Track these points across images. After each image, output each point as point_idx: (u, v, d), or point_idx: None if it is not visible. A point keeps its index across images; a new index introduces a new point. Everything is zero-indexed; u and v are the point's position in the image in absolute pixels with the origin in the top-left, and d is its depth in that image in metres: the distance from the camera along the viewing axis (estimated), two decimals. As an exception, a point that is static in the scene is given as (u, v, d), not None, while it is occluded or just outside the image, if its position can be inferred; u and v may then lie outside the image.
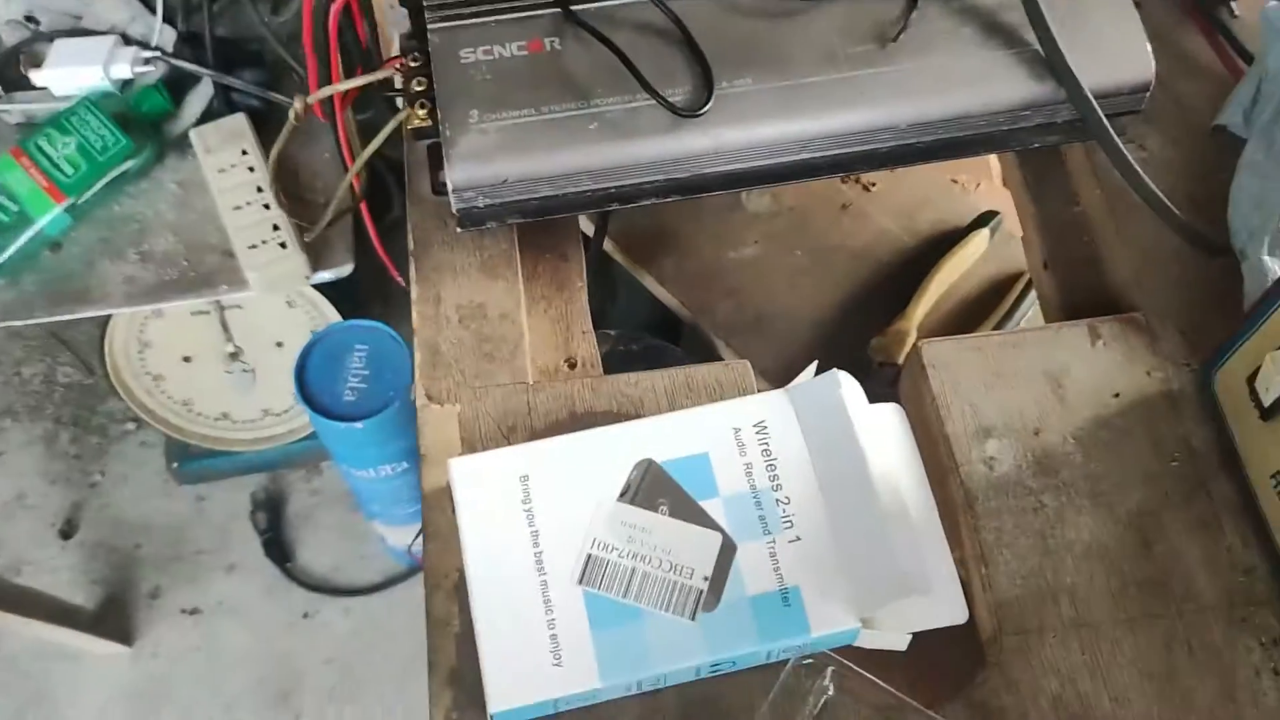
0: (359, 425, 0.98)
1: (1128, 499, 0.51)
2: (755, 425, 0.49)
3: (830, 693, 0.47)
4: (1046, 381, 0.54)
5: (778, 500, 0.48)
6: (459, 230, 0.54)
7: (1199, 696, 0.47)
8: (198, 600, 1.39)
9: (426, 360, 0.54)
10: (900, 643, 0.46)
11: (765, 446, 0.49)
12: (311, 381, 0.98)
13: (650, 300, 0.94)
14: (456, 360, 0.54)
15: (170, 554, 1.41)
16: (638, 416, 0.52)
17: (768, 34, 0.54)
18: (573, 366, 0.55)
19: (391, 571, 1.38)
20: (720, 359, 0.81)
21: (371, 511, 1.24)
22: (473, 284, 0.56)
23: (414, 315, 0.55)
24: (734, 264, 0.91)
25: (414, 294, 0.55)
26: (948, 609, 0.47)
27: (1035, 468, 0.52)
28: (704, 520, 0.47)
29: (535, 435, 0.52)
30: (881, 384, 0.79)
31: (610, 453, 0.49)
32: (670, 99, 0.51)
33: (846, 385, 0.50)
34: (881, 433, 0.49)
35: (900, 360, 0.83)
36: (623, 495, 0.48)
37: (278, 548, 1.41)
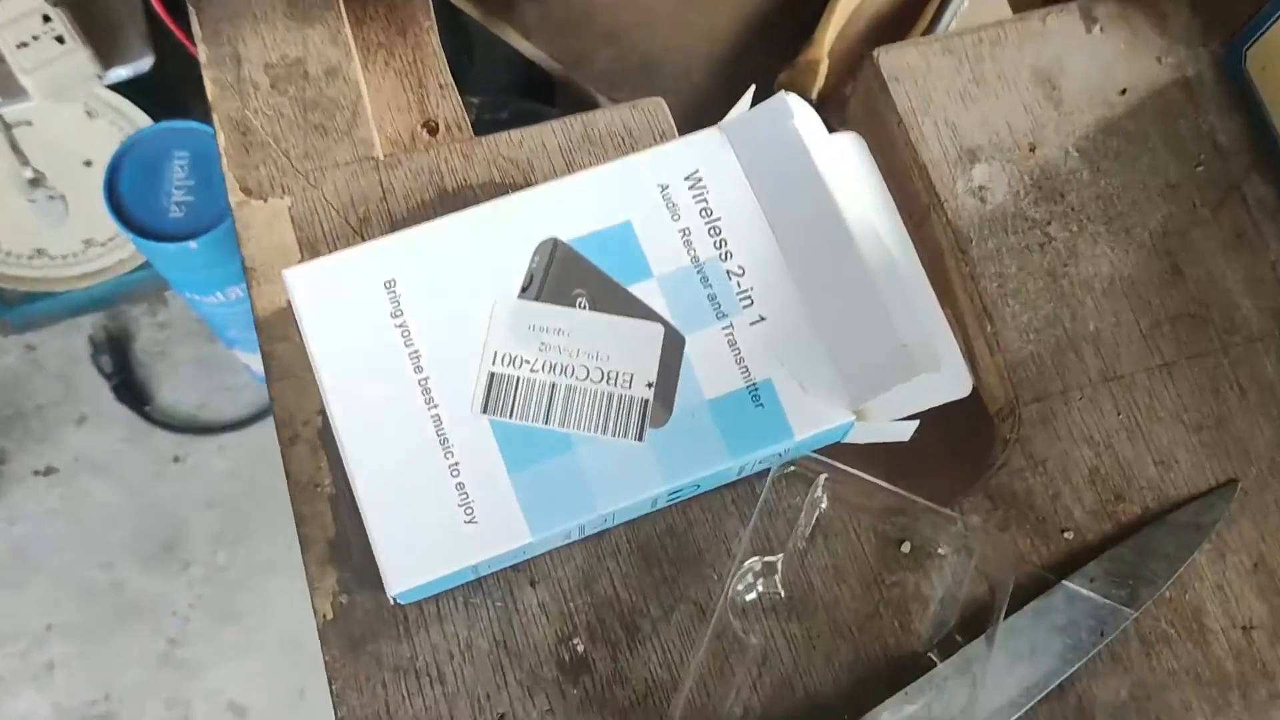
0: (191, 244, 0.83)
1: (1149, 218, 0.41)
2: (687, 178, 0.37)
3: (824, 505, 0.37)
4: (1037, 84, 0.42)
5: (729, 272, 0.36)
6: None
7: (1256, 443, 0.39)
8: (50, 459, 1.25)
9: (234, 143, 0.40)
10: (903, 432, 0.36)
11: (704, 204, 0.37)
12: (128, 200, 0.83)
13: (512, 58, 0.80)
14: (276, 138, 0.40)
15: (9, 413, 1.26)
16: (528, 185, 0.39)
17: None
18: (433, 131, 0.42)
19: (263, 402, 1.25)
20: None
21: (230, 339, 1.11)
22: (282, 33, 0.41)
23: (207, 84, 0.40)
24: (608, 4, 0.77)
25: (203, 56, 0.41)
26: (950, 382, 0.37)
27: (1035, 193, 0.41)
28: (637, 310, 0.36)
29: (396, 225, 0.39)
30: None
31: (500, 235, 0.36)
32: None
33: (800, 111, 0.38)
34: (841, 171, 0.38)
35: (814, 93, 0.70)
36: (525, 290, 0.36)
37: (130, 391, 1.26)
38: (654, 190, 0.37)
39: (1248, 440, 0.39)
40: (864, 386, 0.35)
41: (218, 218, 0.81)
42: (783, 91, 0.38)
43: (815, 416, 0.35)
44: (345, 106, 0.41)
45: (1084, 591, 0.36)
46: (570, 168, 0.40)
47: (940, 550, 0.37)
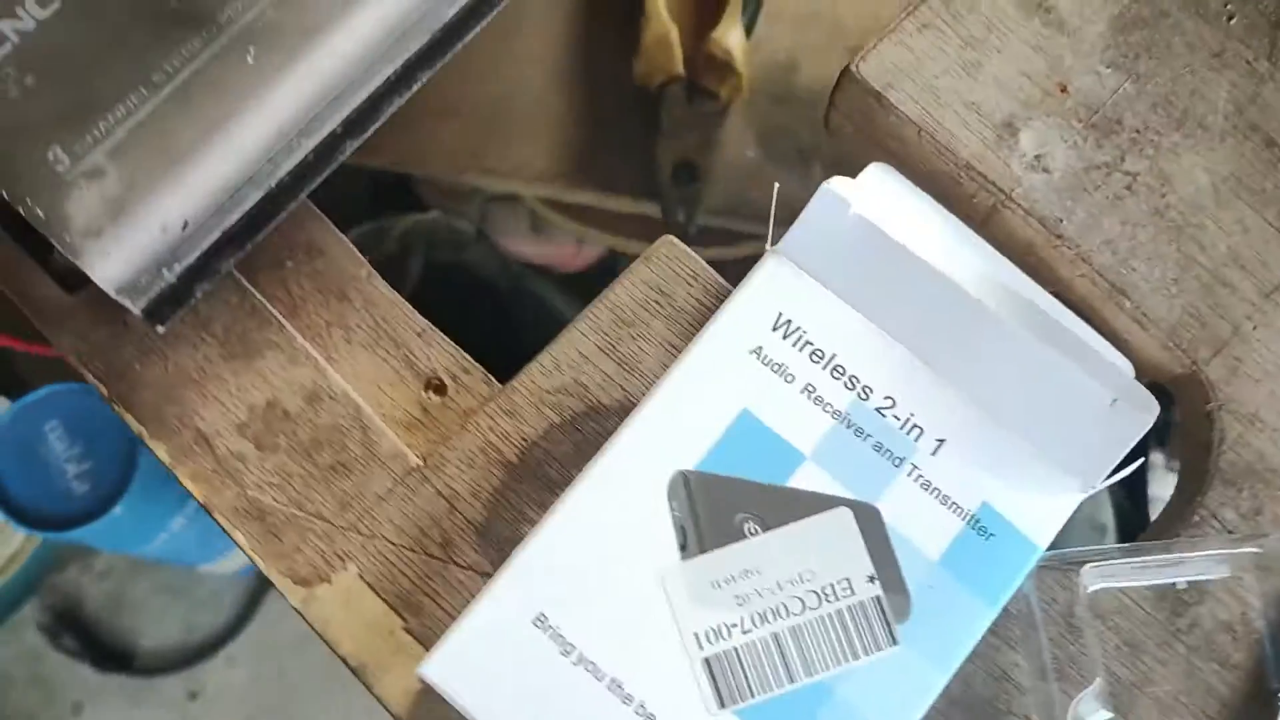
0: (117, 510, 0.75)
1: (1215, 100, 0.36)
2: (775, 328, 0.32)
3: (1089, 588, 0.33)
4: (1029, 15, 0.37)
5: (879, 409, 0.31)
6: (160, 330, 0.32)
7: None
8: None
9: (258, 536, 0.33)
10: (1131, 467, 0.32)
11: (809, 347, 0.31)
12: (21, 497, 0.75)
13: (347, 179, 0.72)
14: (299, 505, 0.33)
15: (-10, 739, 1.15)
16: (595, 413, 0.33)
17: None
18: (440, 390, 0.35)
19: (244, 597, 1.16)
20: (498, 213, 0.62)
21: (188, 560, 1.02)
22: (235, 383, 0.34)
23: (188, 484, 0.33)
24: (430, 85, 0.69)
25: (162, 455, 0.33)
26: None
27: (1093, 134, 0.36)
28: (810, 503, 0.30)
29: (484, 532, 0.33)
30: (703, 118, 0.62)
31: (621, 501, 0.30)
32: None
33: (855, 193, 0.32)
34: (918, 229, 0.33)
35: (679, 67, 0.63)
36: (685, 549, 0.30)
37: (110, 655, 1.16)
38: (749, 361, 0.31)
39: None
40: (1094, 459, 0.30)
41: (126, 467, 0.73)
42: (823, 184, 0.32)
43: (1052, 514, 0.31)
44: (350, 427, 0.34)
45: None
46: (626, 368, 0.34)
47: (1217, 566, 0.33)
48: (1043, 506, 0.31)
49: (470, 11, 0.33)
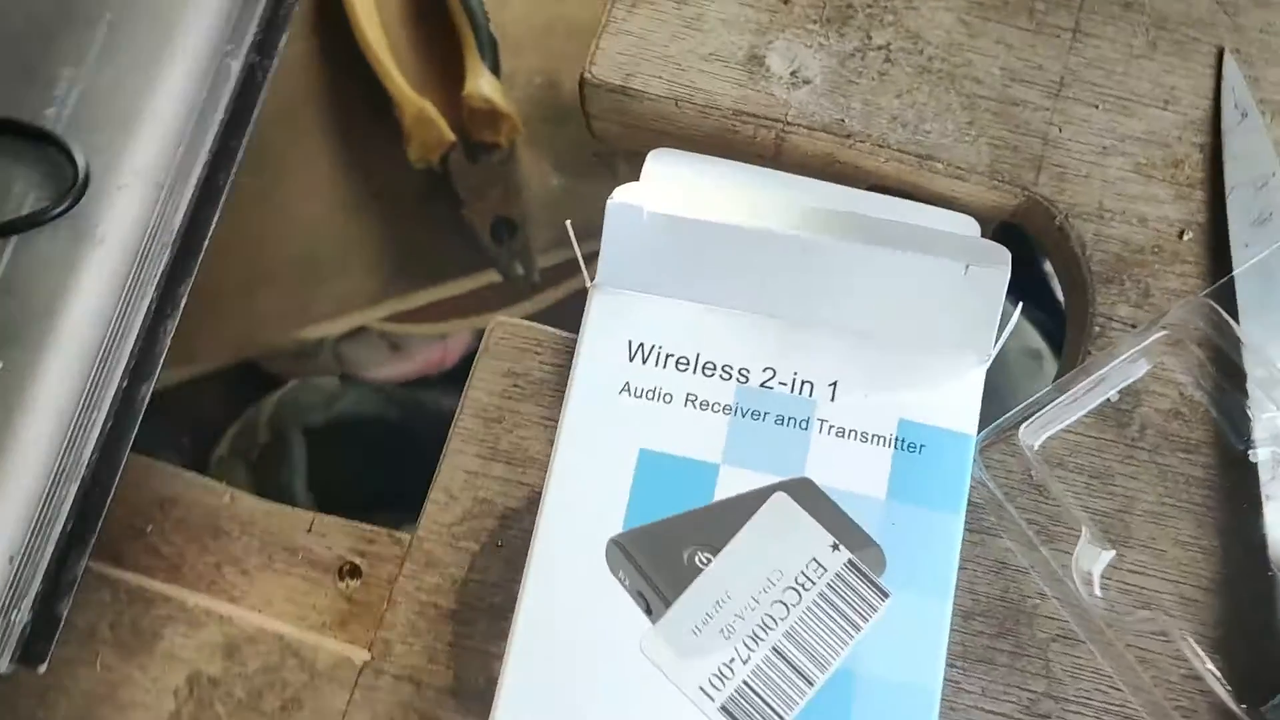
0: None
1: (921, -59, 0.36)
2: (633, 358, 0.30)
3: (1033, 445, 0.32)
4: (718, -54, 0.36)
5: (763, 385, 0.30)
6: (43, 669, 0.29)
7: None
8: None
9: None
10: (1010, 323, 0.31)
11: (672, 359, 0.30)
12: None
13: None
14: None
15: None
16: (505, 518, 0.32)
17: None
18: (355, 573, 0.34)
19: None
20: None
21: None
22: (149, 672, 0.32)
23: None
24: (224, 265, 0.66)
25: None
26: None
27: (839, 33, 0.35)
28: (745, 505, 0.29)
29: (460, 693, 0.31)
30: (494, 170, 0.61)
31: (565, 598, 0.29)
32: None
33: (644, 194, 0.31)
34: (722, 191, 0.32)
35: (450, 137, 0.62)
36: (650, 612, 0.29)
37: None
38: (623, 401, 0.30)
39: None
40: (976, 328, 0.30)
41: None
42: (611, 199, 0.31)
43: (966, 397, 0.30)
44: (281, 661, 0.32)
45: None
46: (516, 463, 0.33)
47: (1136, 364, 0.32)
48: (954, 395, 0.30)
49: (197, 213, 0.31)
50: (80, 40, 0.30)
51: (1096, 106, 0.34)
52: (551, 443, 0.32)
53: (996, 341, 0.29)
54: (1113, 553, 0.30)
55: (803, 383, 0.30)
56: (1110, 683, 0.30)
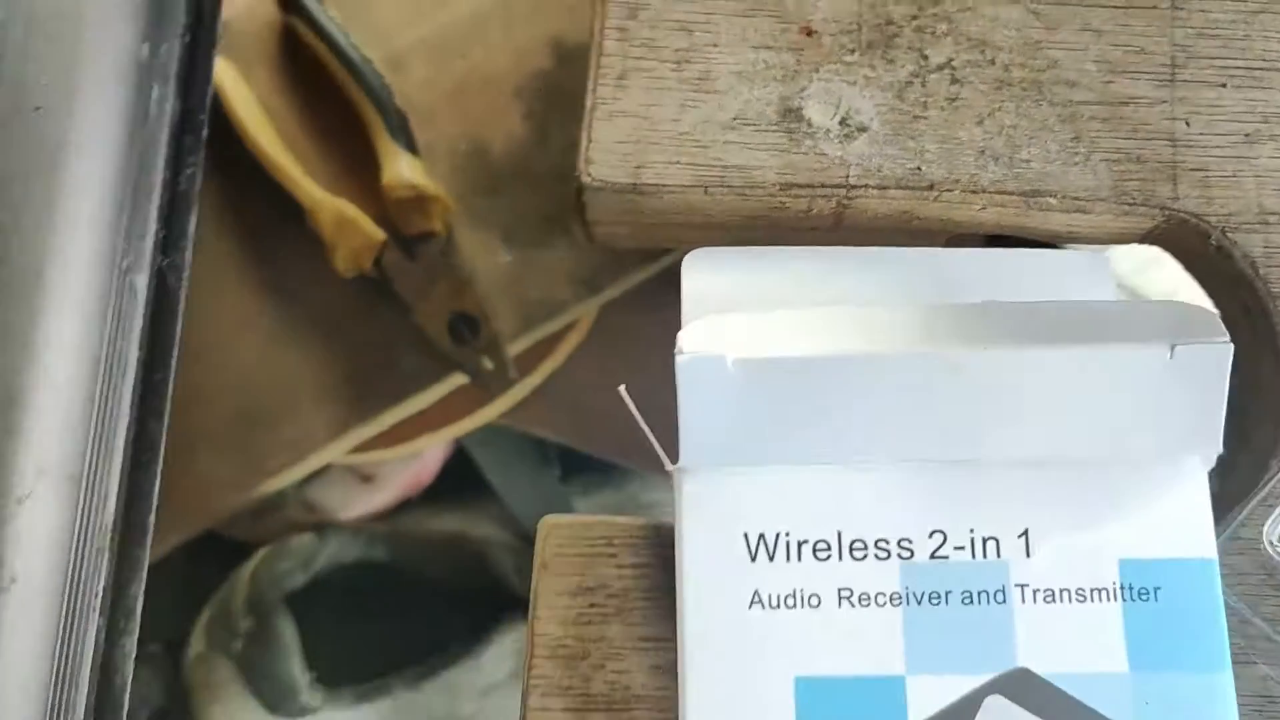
0: None
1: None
2: (755, 557, 0.23)
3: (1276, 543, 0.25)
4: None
5: (934, 555, 0.23)
6: None
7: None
8: None
9: None
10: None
11: (807, 546, 0.23)
12: None
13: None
14: None
15: None
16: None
17: None
18: None
19: None
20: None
21: None
22: None
23: None
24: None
25: None
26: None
27: (886, 59, 0.28)
28: (951, 721, 0.22)
29: None
30: (436, 262, 0.53)
31: None
32: None
33: (710, 332, 0.23)
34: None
35: (379, 235, 0.54)
36: None
37: None
38: (755, 617, 0.23)
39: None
40: (1198, 422, 0.23)
41: None
42: (678, 353, 0.23)
43: (1196, 512, 0.23)
44: None
45: None
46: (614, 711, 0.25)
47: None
48: (1179, 512, 0.23)
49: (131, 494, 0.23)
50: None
51: (1224, 85, 0.27)
52: (657, 669, 0.24)
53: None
54: None
55: (985, 540, 0.23)
56: None
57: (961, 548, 0.23)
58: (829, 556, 0.23)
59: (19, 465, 0.21)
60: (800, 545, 0.23)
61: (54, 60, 0.23)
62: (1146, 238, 0.28)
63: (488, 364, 0.54)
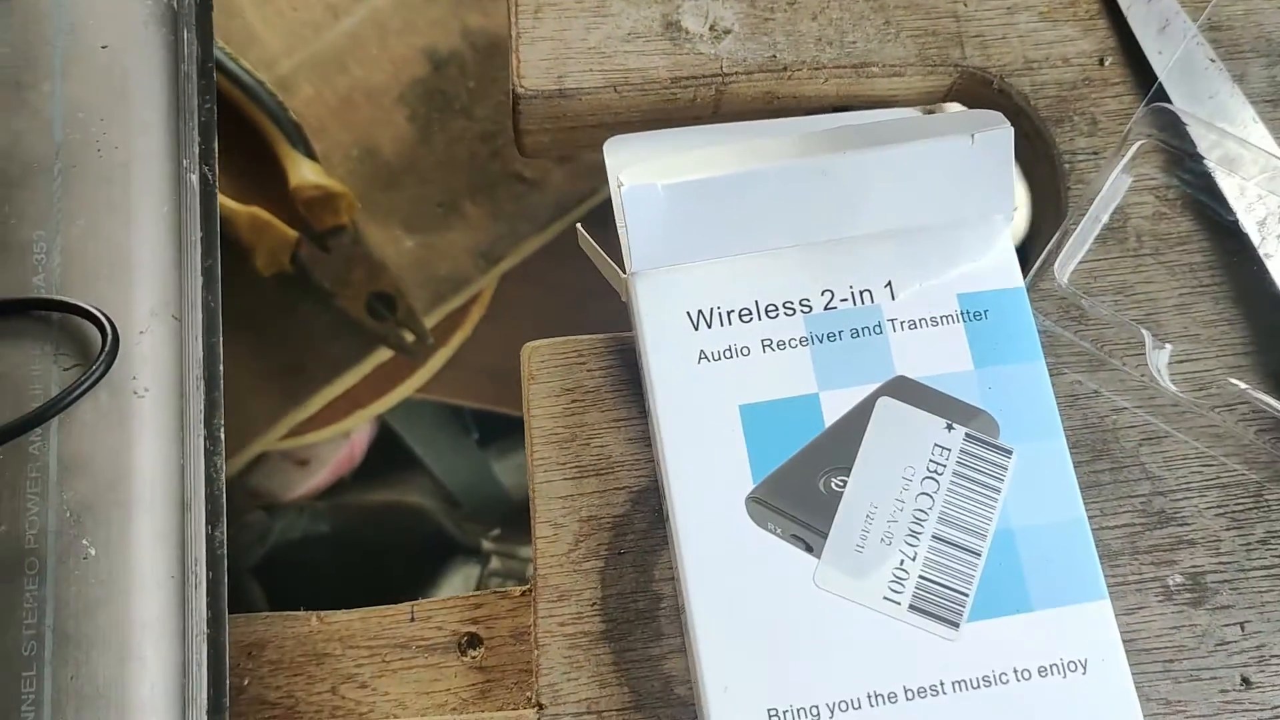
0: None
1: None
2: (698, 327, 0.31)
3: (1063, 280, 0.34)
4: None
5: (828, 307, 0.31)
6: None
7: None
8: None
9: None
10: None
11: (734, 314, 0.31)
12: None
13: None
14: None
15: None
16: (618, 523, 0.32)
17: None
18: (475, 641, 0.33)
19: None
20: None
21: None
22: None
23: None
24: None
25: None
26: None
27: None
28: (856, 420, 0.30)
29: (642, 707, 0.31)
30: (348, 251, 0.59)
31: (731, 573, 0.29)
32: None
33: (642, 174, 0.31)
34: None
35: (292, 235, 0.60)
36: (811, 549, 0.29)
37: None
38: (704, 369, 0.31)
39: None
40: (995, 189, 0.31)
41: None
42: (619, 187, 0.31)
43: (1004, 255, 0.32)
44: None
45: None
46: (602, 472, 0.32)
47: (1117, 183, 0.35)
48: (994, 257, 0.32)
49: (208, 339, 0.29)
50: (38, 197, 0.28)
51: (987, -25, 0.37)
52: (630, 440, 0.32)
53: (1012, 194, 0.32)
54: (1170, 347, 0.33)
55: (861, 292, 0.31)
56: (1201, 461, 0.33)
57: (845, 299, 0.31)
58: (751, 319, 0.31)
59: (136, 307, 0.28)
60: (729, 314, 0.31)
61: (110, 6, 0.29)
62: (949, 94, 0.37)
63: (409, 336, 0.61)
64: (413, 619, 0.33)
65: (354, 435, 0.68)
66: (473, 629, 0.33)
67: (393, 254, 0.63)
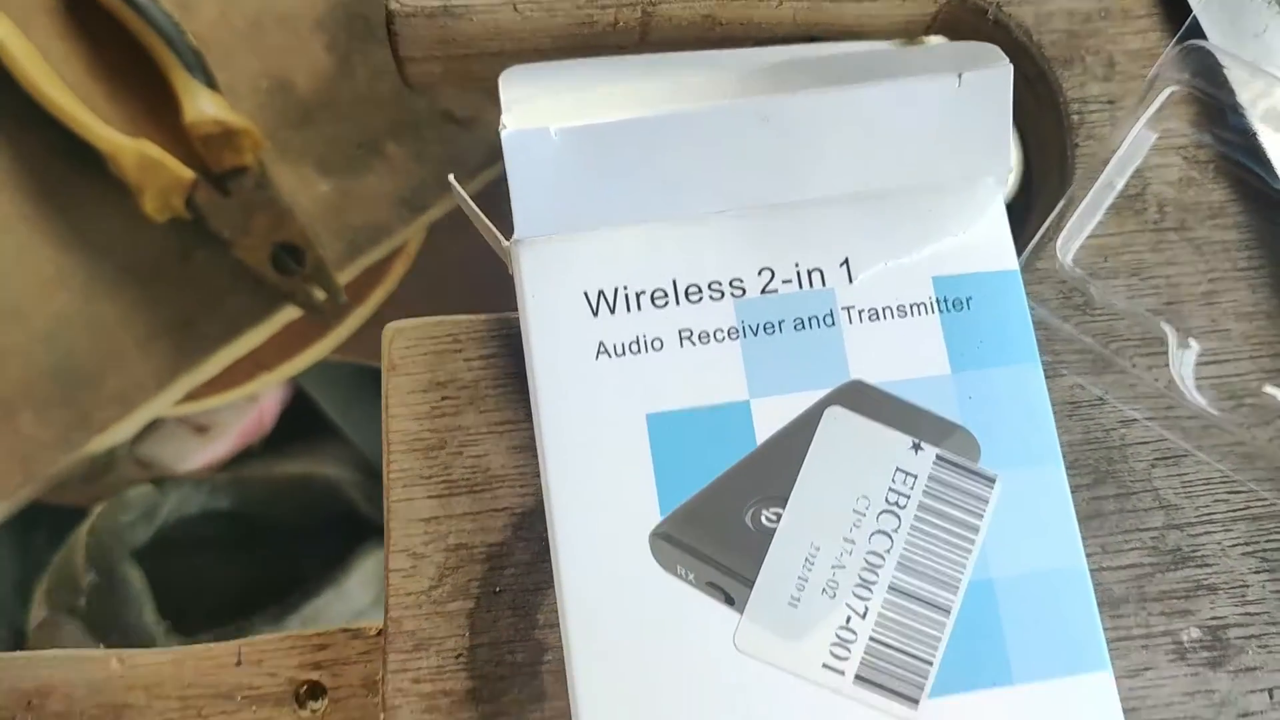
0: None
1: None
2: (597, 311, 0.24)
3: (1067, 260, 0.27)
4: None
5: (765, 290, 0.24)
6: None
7: None
8: None
9: None
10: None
11: (645, 296, 0.24)
12: None
13: None
14: None
15: None
16: (491, 555, 0.25)
17: None
18: (318, 692, 0.26)
19: None
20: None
21: None
22: None
23: None
24: None
25: None
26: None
27: None
28: (796, 436, 0.24)
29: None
30: (252, 196, 0.52)
31: (624, 623, 0.23)
32: None
33: (534, 117, 0.24)
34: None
35: (188, 174, 0.52)
36: (732, 601, 0.23)
37: None
38: (602, 365, 0.24)
39: None
40: (988, 144, 0.25)
41: None
42: (504, 132, 0.24)
43: (995, 228, 0.25)
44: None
45: None
46: (478, 491, 0.26)
47: (1139, 142, 0.28)
48: (982, 230, 0.25)
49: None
50: None
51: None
52: (514, 450, 0.25)
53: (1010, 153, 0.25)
54: (1196, 345, 0.26)
55: (809, 271, 0.24)
56: (1227, 487, 0.26)
57: (789, 281, 0.24)
58: (666, 303, 0.24)
59: None
60: (638, 296, 0.24)
61: None
62: (931, 25, 0.30)
63: (319, 294, 0.54)
64: (239, 662, 0.26)
65: (263, 400, 0.61)
66: (314, 676, 0.26)
67: (304, 200, 0.56)
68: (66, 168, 0.53)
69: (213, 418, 0.60)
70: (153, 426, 0.57)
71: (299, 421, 0.62)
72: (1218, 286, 0.27)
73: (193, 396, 0.56)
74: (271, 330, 0.55)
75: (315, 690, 0.26)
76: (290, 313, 0.55)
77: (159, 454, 0.60)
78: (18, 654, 0.26)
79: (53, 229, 0.54)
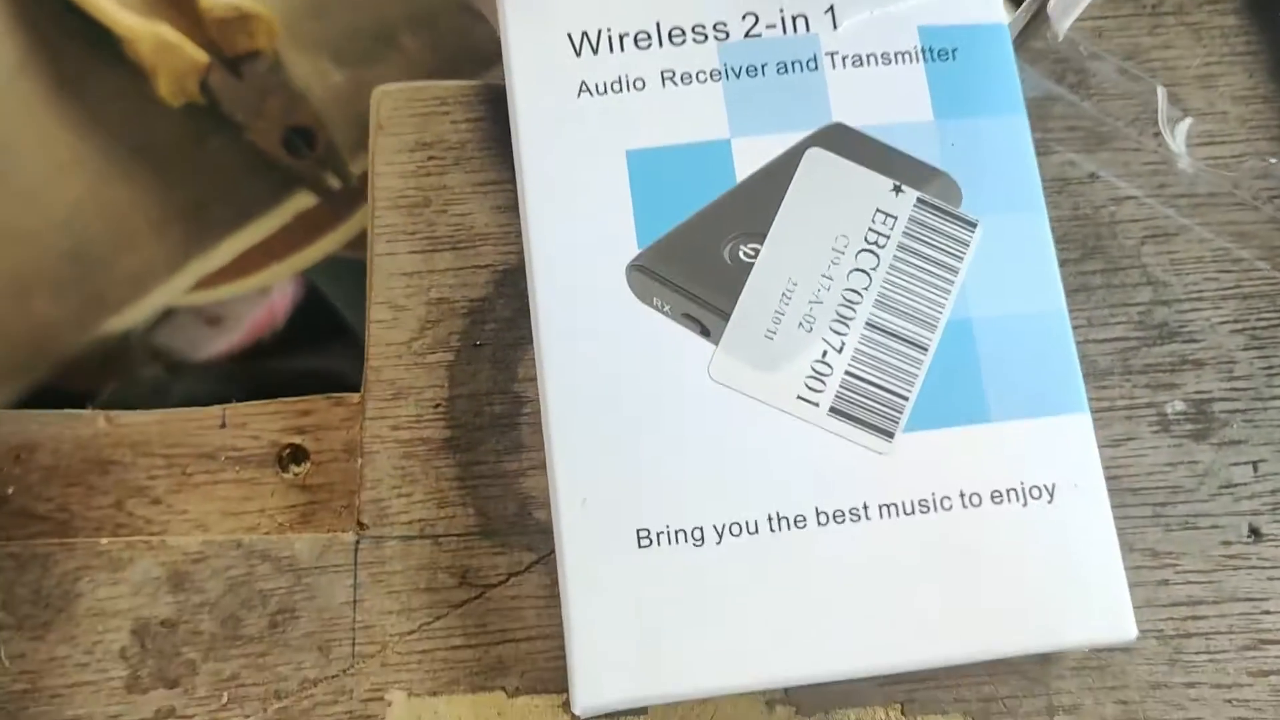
0: None
1: None
2: (580, 51, 0.24)
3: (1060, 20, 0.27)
4: None
5: (749, 34, 0.24)
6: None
7: None
8: None
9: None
10: None
11: (629, 37, 0.24)
12: None
13: None
14: (269, 689, 0.23)
15: None
16: (473, 309, 0.25)
17: None
18: (300, 456, 0.26)
19: None
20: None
21: None
22: (73, 644, 0.23)
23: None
24: None
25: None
26: None
27: None
28: (776, 175, 0.24)
29: (490, 531, 0.24)
30: (266, 81, 0.52)
31: (600, 355, 0.22)
32: None
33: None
34: None
35: (203, 59, 0.53)
36: (708, 333, 0.23)
37: None
38: (585, 103, 0.24)
39: None
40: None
41: None
42: None
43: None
44: (250, 571, 0.24)
45: None
46: (462, 247, 0.26)
47: None
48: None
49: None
50: None
51: None
52: (499, 209, 0.25)
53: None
54: (1190, 118, 0.26)
55: (794, 18, 0.24)
56: (1218, 266, 0.26)
57: (773, 25, 0.24)
58: (650, 44, 0.24)
59: None
60: (621, 37, 0.24)
61: None
62: None
63: (333, 181, 0.54)
64: (224, 424, 0.26)
65: (275, 294, 0.61)
66: (297, 440, 0.26)
67: (318, 89, 0.56)
68: (83, 52, 0.53)
69: (225, 309, 0.60)
70: (166, 317, 0.58)
71: (311, 320, 0.62)
72: (1214, 70, 0.27)
73: (204, 284, 0.56)
74: (283, 219, 0.56)
75: (298, 454, 0.26)
76: (302, 202, 0.55)
77: (171, 343, 0.60)
78: (6, 411, 0.26)
79: (69, 114, 0.54)
